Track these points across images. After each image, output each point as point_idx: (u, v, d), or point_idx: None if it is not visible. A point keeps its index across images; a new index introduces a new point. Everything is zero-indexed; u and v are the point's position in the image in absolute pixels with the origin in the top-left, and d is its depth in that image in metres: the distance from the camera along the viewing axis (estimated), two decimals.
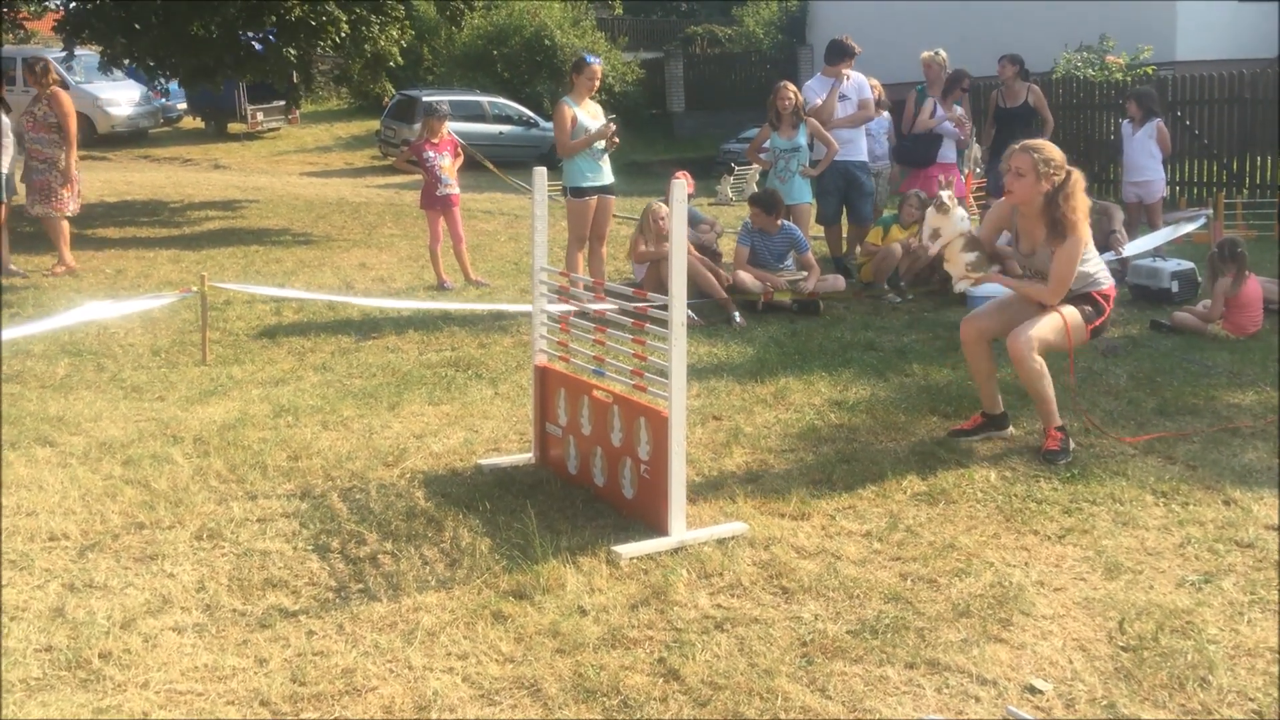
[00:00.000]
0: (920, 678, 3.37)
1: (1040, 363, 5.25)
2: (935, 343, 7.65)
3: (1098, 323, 5.43)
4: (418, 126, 22.38)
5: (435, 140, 10.13)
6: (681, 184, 4.23)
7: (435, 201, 10.05)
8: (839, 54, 10.02)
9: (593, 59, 8.82)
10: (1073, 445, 5.33)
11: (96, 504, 4.73)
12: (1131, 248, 9.67)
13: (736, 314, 8.32)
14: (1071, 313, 5.36)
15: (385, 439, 5.61)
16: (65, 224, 10.28)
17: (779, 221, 8.97)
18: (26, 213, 10.28)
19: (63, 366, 7.10)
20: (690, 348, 4.15)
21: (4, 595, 3.90)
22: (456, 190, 10.13)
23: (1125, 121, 11.10)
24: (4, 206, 10.13)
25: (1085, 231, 5.25)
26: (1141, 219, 10.74)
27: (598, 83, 8.72)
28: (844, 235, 10.45)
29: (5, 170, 10.10)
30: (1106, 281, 5.50)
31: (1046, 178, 5.20)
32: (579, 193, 8.61)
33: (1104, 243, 10.01)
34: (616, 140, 8.71)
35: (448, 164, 10.08)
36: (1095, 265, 5.46)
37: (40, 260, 10.63)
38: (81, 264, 10.45)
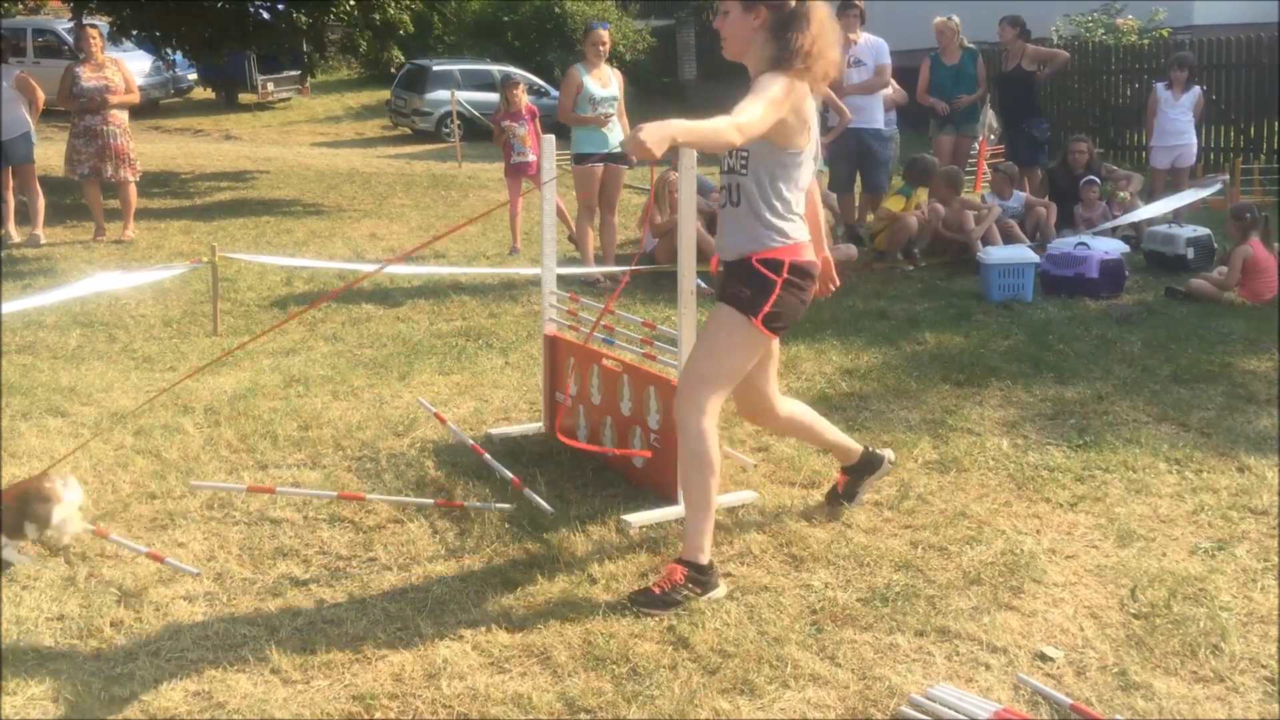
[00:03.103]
0: (930, 645, 3.36)
1: (702, 436, 3.53)
2: (948, 311, 7.61)
3: (766, 309, 3.54)
4: (430, 96, 22.40)
5: (512, 110, 10.26)
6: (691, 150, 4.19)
7: (510, 170, 10.30)
8: (839, 10, 9.88)
9: (597, 25, 8.83)
10: (682, 596, 3.51)
11: (108, 474, 4.75)
12: (1145, 211, 9.58)
13: None
14: (723, 319, 3.60)
15: (395, 409, 5.61)
16: (88, 188, 10.43)
17: None
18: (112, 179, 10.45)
19: (74, 337, 7.11)
20: (700, 316, 4.13)
21: (16, 565, 3.92)
22: (532, 159, 10.03)
23: (1162, 86, 10.98)
24: (24, 169, 10.33)
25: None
26: (1168, 185, 10.64)
27: (604, 48, 8.67)
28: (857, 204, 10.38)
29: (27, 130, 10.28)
30: (781, 239, 3.58)
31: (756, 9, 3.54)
32: (581, 159, 8.64)
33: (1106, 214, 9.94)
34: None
35: (522, 133, 10.13)
36: (781, 200, 3.56)
37: (52, 231, 10.66)
38: (91, 235, 10.47)
